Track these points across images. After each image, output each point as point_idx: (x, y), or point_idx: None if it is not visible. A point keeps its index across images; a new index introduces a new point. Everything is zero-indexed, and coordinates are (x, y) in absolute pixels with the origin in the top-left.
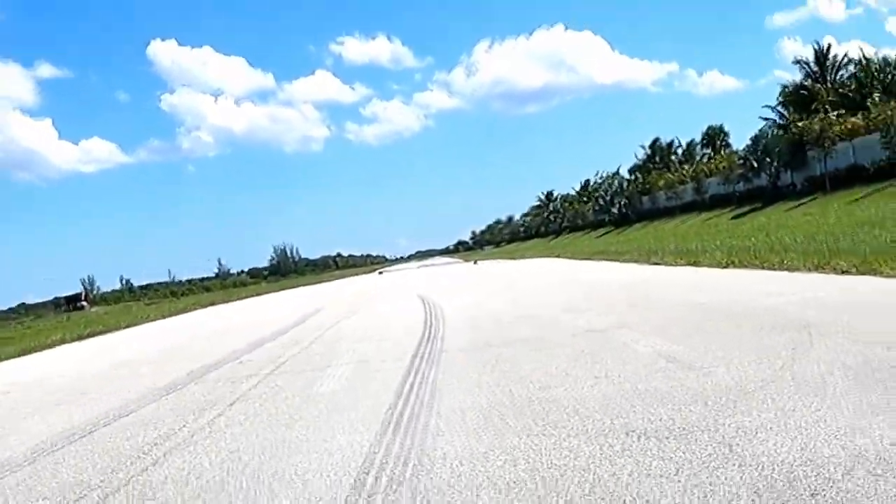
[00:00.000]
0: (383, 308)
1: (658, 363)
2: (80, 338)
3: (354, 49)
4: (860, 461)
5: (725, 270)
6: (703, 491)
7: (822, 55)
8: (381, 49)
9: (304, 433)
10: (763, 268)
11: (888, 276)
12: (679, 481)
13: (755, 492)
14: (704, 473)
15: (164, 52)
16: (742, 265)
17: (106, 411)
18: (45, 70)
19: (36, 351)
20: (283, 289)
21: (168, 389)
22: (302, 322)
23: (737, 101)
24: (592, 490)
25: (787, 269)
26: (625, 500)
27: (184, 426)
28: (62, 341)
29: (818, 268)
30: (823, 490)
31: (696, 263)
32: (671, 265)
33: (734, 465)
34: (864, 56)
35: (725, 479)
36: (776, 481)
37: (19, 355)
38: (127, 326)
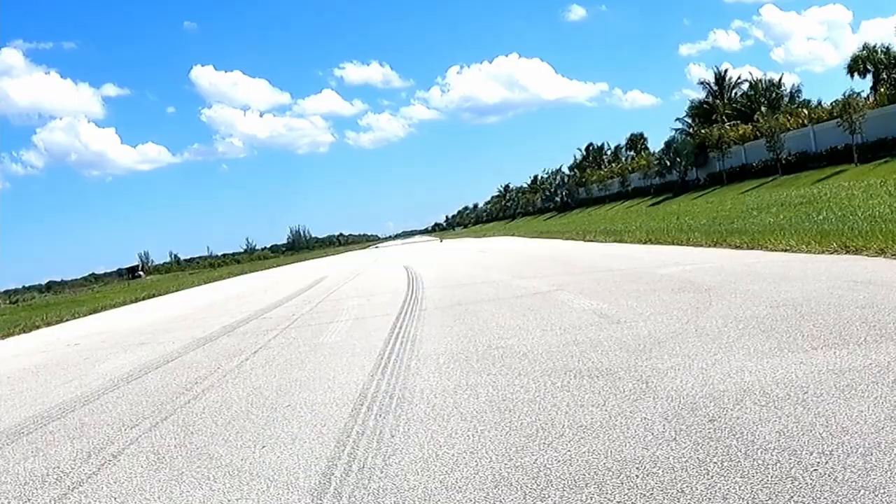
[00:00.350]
0: (376, 276)
1: (590, 318)
2: (137, 300)
3: (353, 73)
4: (748, 394)
5: (644, 246)
6: (625, 417)
7: (720, 77)
8: (374, 73)
9: (312, 374)
10: (673, 244)
11: (770, 249)
12: (606, 410)
13: (665, 418)
14: (626, 404)
15: (203, 76)
16: (657, 242)
17: (157, 357)
18: (110, 89)
19: (103, 311)
20: (297, 262)
21: (206, 340)
22: (313, 286)
23: (654, 113)
24: (538, 417)
25: (693, 245)
26: (563, 425)
27: (217, 369)
28: (123, 303)
29: (717, 244)
30: (719, 417)
31: (621, 241)
32: (601, 242)
33: (650, 397)
34: (753, 78)
35: (642, 408)
36: (682, 410)
37: (89, 314)
38: (175, 291)
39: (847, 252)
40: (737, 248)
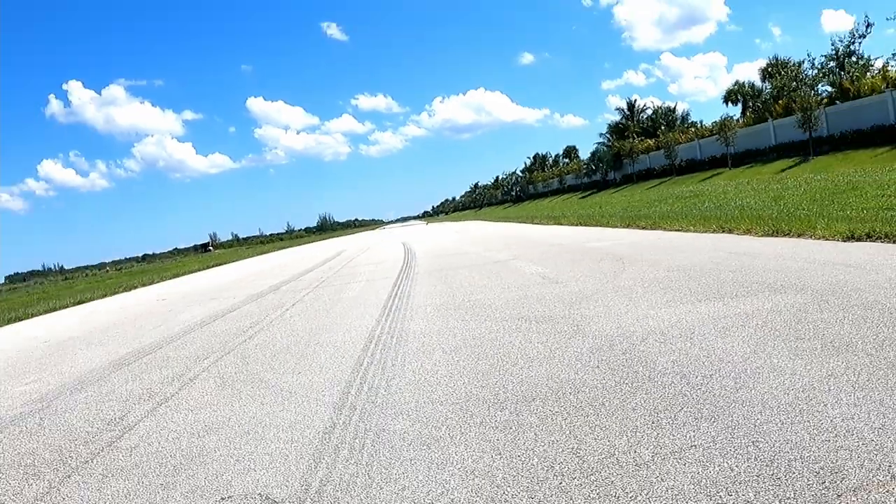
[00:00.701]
0: (382, 250)
1: (537, 279)
2: (207, 267)
3: (365, 102)
4: (651, 334)
5: (575, 227)
6: (561, 351)
7: (631, 105)
8: (380, 102)
9: (335, 320)
10: (597, 226)
11: (668, 230)
12: (548, 346)
13: (591, 352)
14: (562, 341)
15: (255, 104)
16: (585, 224)
17: (222, 309)
18: (188, 114)
19: (183, 275)
20: (324, 239)
21: (257, 296)
22: (335, 257)
23: (583, 131)
24: (499, 350)
25: (611, 227)
26: (516, 356)
27: (266, 317)
28: (197, 270)
29: (628, 226)
30: (630, 350)
31: (559, 223)
32: (545, 225)
33: (580, 336)
34: (655, 106)
35: (574, 344)
36: (603, 345)
37: (172, 278)
38: (234, 261)
39: (723, 231)
40: (643, 228)
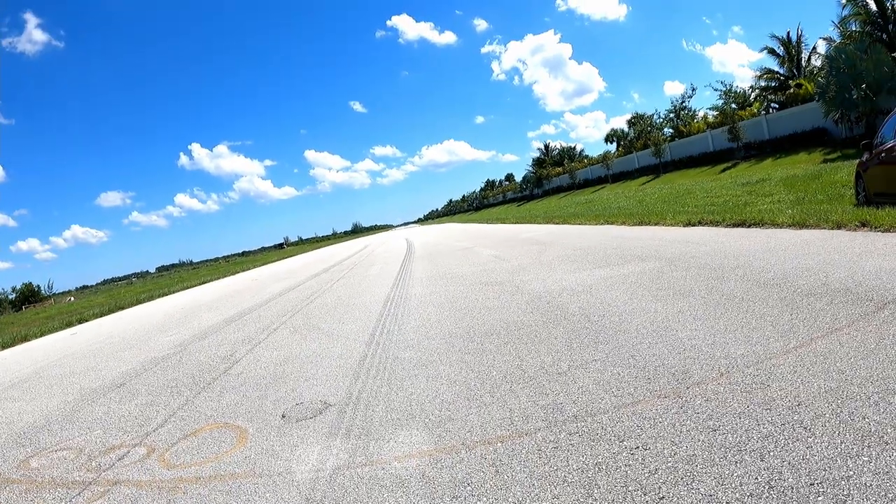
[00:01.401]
0: (392, 244)
1: (490, 258)
2: (283, 258)
3: (379, 150)
4: (564, 290)
5: (513, 225)
6: (508, 303)
7: (545, 147)
8: (388, 150)
9: (364, 289)
10: (527, 223)
11: (573, 224)
12: (500, 300)
13: (527, 303)
14: (509, 297)
15: (310, 154)
16: (519, 223)
17: (293, 284)
18: (268, 162)
19: (267, 264)
20: (355, 238)
21: (315, 276)
22: (363, 249)
23: (519, 164)
24: (468, 303)
25: (536, 224)
26: (480, 307)
27: (320, 288)
28: (276, 260)
29: (547, 222)
30: (551, 301)
31: (503, 222)
32: (493, 223)
33: (519, 293)
34: (562, 146)
35: (517, 299)
36: (534, 298)
37: (262, 265)
38: (299, 254)
39: (608, 224)
40: (556, 224)
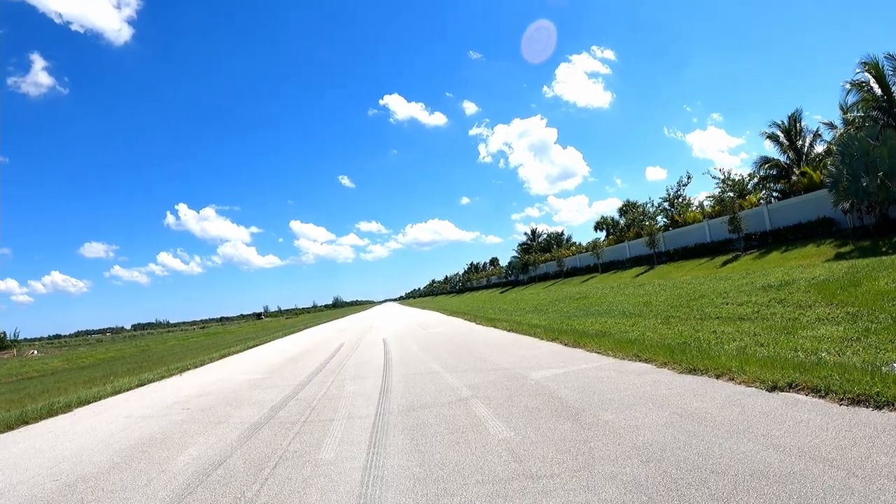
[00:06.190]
0: (379, 326)
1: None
2: (291, 327)
3: (364, 226)
4: (483, 341)
5: (507, 333)
6: (445, 350)
7: (532, 231)
8: (373, 226)
9: (369, 358)
10: (523, 333)
11: (587, 349)
12: (443, 348)
13: (457, 346)
14: (453, 348)
15: (296, 225)
16: (514, 330)
17: (319, 364)
18: (254, 229)
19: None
20: (341, 316)
21: (327, 361)
22: (365, 322)
23: (502, 246)
24: (432, 346)
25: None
26: (438, 349)
27: (341, 363)
28: (282, 328)
29: (554, 338)
30: (464, 344)
31: (493, 324)
32: (472, 315)
33: (464, 349)
34: (548, 231)
35: (455, 348)
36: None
37: (270, 341)
38: (281, 329)
39: (640, 361)
40: (565, 343)
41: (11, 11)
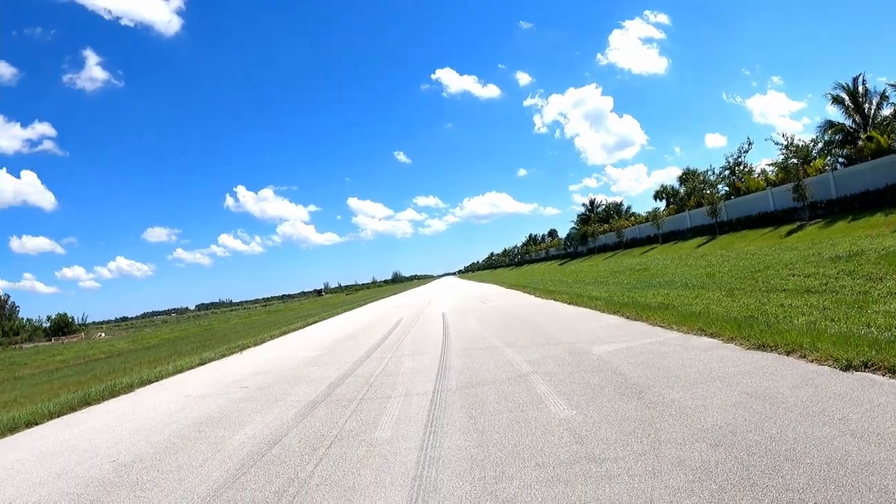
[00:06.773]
0: (438, 292)
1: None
2: (347, 303)
3: (421, 200)
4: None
5: (568, 304)
6: (509, 325)
7: (591, 202)
8: (431, 200)
9: (428, 331)
10: (583, 306)
11: (657, 324)
12: (509, 326)
13: (523, 324)
14: (516, 323)
15: (353, 202)
16: (573, 302)
17: (382, 335)
18: (312, 207)
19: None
20: (400, 291)
21: (394, 326)
22: (424, 297)
23: (560, 219)
24: (494, 324)
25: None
26: (500, 324)
27: (403, 334)
28: (344, 304)
29: (616, 311)
30: (522, 315)
31: (554, 297)
32: (533, 287)
33: (526, 321)
34: (606, 201)
35: (516, 323)
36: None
37: (341, 313)
38: (340, 305)
39: (705, 335)
40: (631, 317)
41: (61, 12)
